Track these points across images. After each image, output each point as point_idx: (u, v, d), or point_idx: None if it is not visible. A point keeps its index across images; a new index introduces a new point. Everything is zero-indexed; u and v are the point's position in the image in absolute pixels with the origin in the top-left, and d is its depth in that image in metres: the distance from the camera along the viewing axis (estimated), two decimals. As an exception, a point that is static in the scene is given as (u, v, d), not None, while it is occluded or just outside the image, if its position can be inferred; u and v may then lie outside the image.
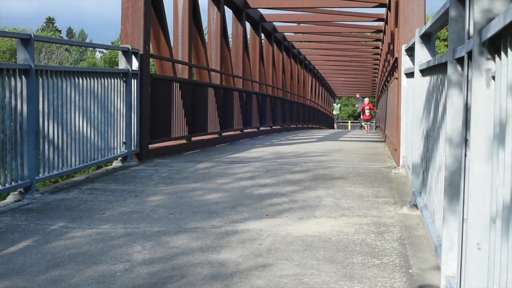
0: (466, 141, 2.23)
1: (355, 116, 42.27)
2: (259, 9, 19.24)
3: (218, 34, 14.82)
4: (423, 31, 4.82)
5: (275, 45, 23.32)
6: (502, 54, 1.87)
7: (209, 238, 4.15)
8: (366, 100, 26.91)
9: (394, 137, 9.16)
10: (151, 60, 9.81)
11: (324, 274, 3.35)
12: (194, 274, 3.34)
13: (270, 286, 3.14)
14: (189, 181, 6.86)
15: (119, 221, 4.70)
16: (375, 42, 26.56)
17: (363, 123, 26.96)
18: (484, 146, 2.05)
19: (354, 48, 29.76)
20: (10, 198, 5.61)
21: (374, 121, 28.95)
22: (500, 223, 1.82)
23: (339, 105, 37.51)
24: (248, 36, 19.10)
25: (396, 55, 9.46)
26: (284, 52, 25.24)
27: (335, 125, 37.88)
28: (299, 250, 3.86)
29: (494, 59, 2.02)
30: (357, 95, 33.78)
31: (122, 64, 8.43)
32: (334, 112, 37.30)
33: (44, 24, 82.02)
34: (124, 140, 8.25)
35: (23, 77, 5.61)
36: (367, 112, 25.60)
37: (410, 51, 6.48)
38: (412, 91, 5.77)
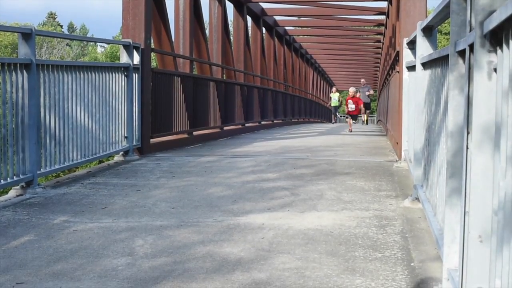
0: (467, 133, 2.23)
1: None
2: (260, 3, 19.20)
3: (219, 28, 14.80)
4: (424, 24, 4.81)
5: (276, 39, 23.28)
6: (504, 46, 1.86)
7: (211, 232, 4.16)
8: (351, 90, 19.87)
9: (396, 131, 9.15)
10: (152, 54, 9.80)
11: (326, 267, 3.35)
12: (196, 267, 3.35)
13: (272, 279, 3.14)
14: (191, 175, 6.86)
15: (121, 215, 4.70)
16: (376, 36, 26.52)
17: (350, 120, 19.19)
18: (486, 138, 2.04)
19: (355, 42, 29.71)
20: (12, 192, 5.62)
21: (362, 116, 24.73)
22: (502, 215, 1.82)
23: (337, 94, 27.20)
24: (249, 30, 19.06)
25: (397, 48, 9.45)
26: (285, 46, 25.21)
27: (332, 119, 28.26)
28: (301, 243, 3.86)
29: (495, 52, 2.01)
30: (362, 80, 27.25)
31: (124, 58, 8.43)
32: (332, 104, 27.27)
33: (46, 19, 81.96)
34: (125, 134, 8.25)
35: (25, 71, 5.61)
36: (350, 107, 18.79)
37: (412, 45, 6.47)
38: (413, 85, 5.76)
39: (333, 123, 27.28)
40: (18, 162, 5.51)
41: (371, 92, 25.69)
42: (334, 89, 29.09)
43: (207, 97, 12.58)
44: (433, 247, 3.74)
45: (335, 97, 27.08)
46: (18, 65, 5.53)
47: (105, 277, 3.19)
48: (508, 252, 1.74)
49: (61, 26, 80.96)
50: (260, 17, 19.82)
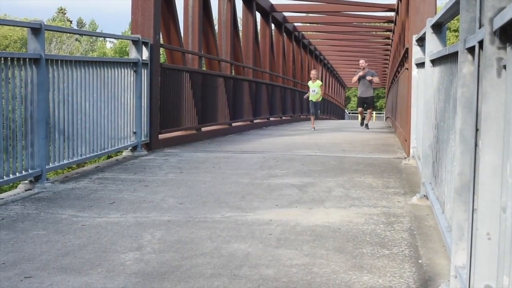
0: (477, 130, 2.22)
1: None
2: (269, -1, 19.22)
3: (228, 24, 14.79)
4: (434, 21, 4.80)
5: (285, 35, 23.25)
6: (514, 43, 1.85)
7: (219, 228, 4.16)
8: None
9: (404, 128, 9.13)
10: (161, 50, 9.82)
11: (333, 264, 3.35)
12: (203, 263, 3.35)
13: (280, 275, 3.14)
14: (199, 171, 6.87)
15: (129, 211, 4.71)
16: (385, 33, 26.45)
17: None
18: (495, 135, 2.04)
19: (365, 39, 29.65)
20: (21, 187, 5.64)
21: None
22: (510, 213, 1.81)
23: (318, 82, 16.54)
24: (258, 26, 19.05)
25: (406, 45, 9.43)
26: (294, 42, 25.18)
27: (312, 122, 16.45)
28: (309, 240, 3.86)
29: (505, 49, 2.00)
30: (361, 62, 16.58)
31: (132, 54, 8.44)
32: (311, 98, 16.38)
33: (56, 14, 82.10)
34: (134, 130, 8.26)
35: (34, 66, 5.62)
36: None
37: (421, 41, 6.45)
38: (422, 81, 5.74)
39: (313, 128, 16.05)
40: (27, 156, 5.53)
41: (376, 79, 16.36)
42: (313, 73, 17.01)
43: (215, 93, 12.59)
44: (441, 244, 3.73)
45: (315, 87, 16.38)
46: (27, 60, 5.55)
47: (113, 271, 3.20)
48: (516, 249, 1.73)
49: (71, 22, 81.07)
50: (269, 13, 19.80)
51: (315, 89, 16.22)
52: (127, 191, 5.57)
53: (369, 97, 16.54)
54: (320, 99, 16.41)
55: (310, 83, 16.59)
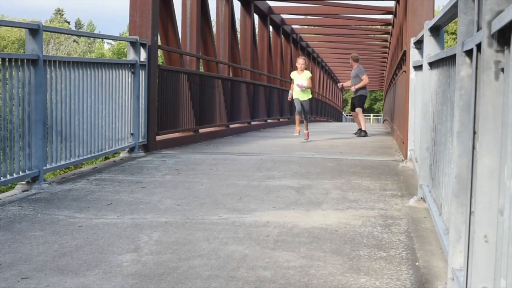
0: (474, 133, 2.23)
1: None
2: (267, 1, 19.20)
3: (226, 26, 14.79)
4: (432, 23, 4.81)
5: (283, 37, 23.26)
6: (512, 46, 1.86)
7: (216, 229, 4.16)
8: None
9: (402, 130, 9.14)
10: (159, 51, 9.82)
11: (330, 266, 3.35)
12: (200, 265, 3.35)
13: (277, 277, 3.14)
14: (196, 172, 6.87)
15: (126, 212, 4.71)
16: (383, 35, 26.47)
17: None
18: (493, 138, 2.04)
19: (362, 41, 29.67)
20: (18, 188, 5.63)
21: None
22: (508, 215, 1.81)
23: (306, 73, 11.88)
24: (256, 28, 19.05)
25: (404, 48, 9.43)
26: (292, 45, 25.19)
27: (296, 121, 12.17)
28: (306, 242, 3.86)
29: (503, 52, 2.01)
30: (351, 59, 14.39)
31: (130, 55, 8.44)
32: (297, 95, 11.87)
33: (53, 15, 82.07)
34: (131, 131, 8.26)
35: (31, 67, 5.62)
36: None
37: (419, 44, 6.46)
38: (420, 84, 5.75)
39: (297, 133, 12.51)
40: (24, 157, 5.53)
41: (361, 83, 13.95)
42: (301, 62, 12.15)
43: (213, 94, 12.59)
44: (438, 247, 3.73)
45: (302, 80, 11.92)
46: (25, 60, 5.54)
47: (110, 273, 3.20)
48: (514, 252, 1.73)
49: (69, 23, 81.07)
50: (267, 15, 19.81)
51: (303, 82, 11.95)
52: (124, 192, 5.56)
53: (356, 96, 14.17)
54: (310, 97, 12.22)
55: (294, 74, 12.12)
